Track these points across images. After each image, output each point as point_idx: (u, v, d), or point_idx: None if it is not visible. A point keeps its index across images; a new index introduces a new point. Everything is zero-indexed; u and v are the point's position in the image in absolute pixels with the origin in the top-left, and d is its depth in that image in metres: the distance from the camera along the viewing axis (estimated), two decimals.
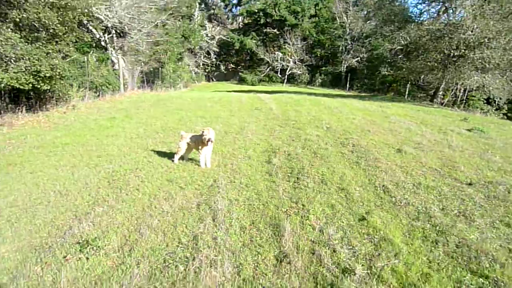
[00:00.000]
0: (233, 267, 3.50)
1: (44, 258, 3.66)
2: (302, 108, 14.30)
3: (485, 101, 26.77)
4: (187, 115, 12.50)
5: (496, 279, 3.26)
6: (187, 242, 3.96)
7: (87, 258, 3.63)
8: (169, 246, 3.88)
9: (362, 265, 3.47)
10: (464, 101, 26.96)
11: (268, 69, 46.75)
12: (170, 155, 7.08)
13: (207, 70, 48.63)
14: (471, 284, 3.20)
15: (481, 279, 3.27)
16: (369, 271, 3.38)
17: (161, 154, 7.31)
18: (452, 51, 20.54)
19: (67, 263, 3.54)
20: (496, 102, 25.38)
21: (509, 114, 24.27)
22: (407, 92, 29.75)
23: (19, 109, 12.01)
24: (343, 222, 4.38)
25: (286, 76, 45.75)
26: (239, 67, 50.94)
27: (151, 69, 28.64)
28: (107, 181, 5.81)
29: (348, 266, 3.45)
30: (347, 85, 40.00)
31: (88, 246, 3.80)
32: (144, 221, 4.40)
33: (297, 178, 5.88)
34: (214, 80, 50.09)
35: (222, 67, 50.86)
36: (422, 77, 27.33)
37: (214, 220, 4.44)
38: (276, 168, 6.37)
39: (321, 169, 6.26)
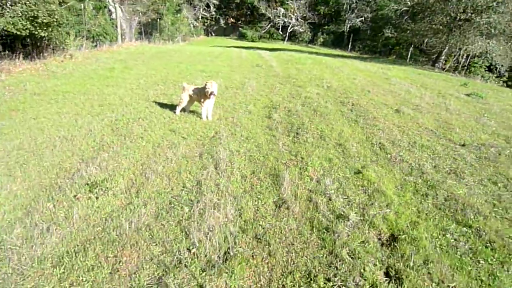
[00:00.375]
0: (235, 210, 3.72)
1: (55, 196, 3.86)
2: (303, 66, 14.18)
3: (486, 69, 26.58)
4: (187, 69, 12.38)
5: (479, 228, 3.52)
6: (191, 186, 4.16)
7: (97, 198, 3.83)
8: (174, 189, 4.09)
9: (356, 213, 3.71)
10: (466, 67, 26.75)
11: (269, 26, 45.51)
12: (171, 107, 7.15)
13: (206, 24, 47.20)
14: (455, 232, 3.47)
15: (465, 228, 3.54)
16: (362, 218, 3.63)
17: (163, 105, 7.37)
18: (459, 14, 20.06)
19: (78, 201, 3.74)
20: (498, 69, 25.22)
21: (509, 82, 24.22)
22: (409, 56, 29.37)
23: (16, 56, 11.78)
24: (339, 175, 4.59)
25: (287, 34, 44.61)
26: (239, 22, 49.45)
27: (149, 21, 27.81)
28: (110, 128, 5.92)
29: (342, 213, 3.69)
30: (349, 46, 39.24)
31: (97, 187, 3.99)
32: (149, 167, 4.58)
33: (297, 133, 6.03)
34: (213, 34, 48.79)
35: (222, 22, 49.33)
36: (425, 40, 26.83)
37: (216, 168, 4.62)
38: (276, 123, 6.49)
39: (320, 126, 6.39)
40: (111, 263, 2.91)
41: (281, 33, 45.34)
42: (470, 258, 3.11)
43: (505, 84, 22.50)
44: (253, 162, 4.93)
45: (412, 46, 29.78)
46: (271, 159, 5.00)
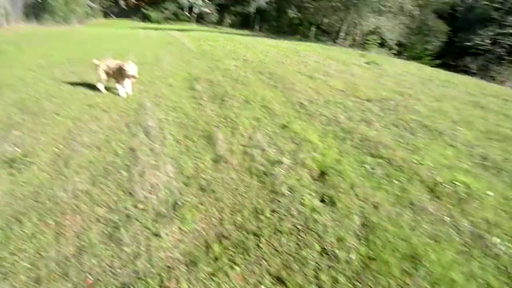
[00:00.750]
0: (175, 169, 3.77)
1: None
2: (216, 43, 14.23)
3: (379, 45, 29.76)
4: (92, 48, 11.50)
5: (389, 158, 4.16)
6: (125, 153, 4.05)
7: (20, 173, 3.51)
8: (107, 158, 3.94)
9: (288, 158, 4.05)
10: (362, 44, 29.56)
11: (174, 7, 43.92)
12: (84, 85, 6.67)
13: (104, 6, 43.56)
14: (372, 163, 4.05)
15: (378, 159, 4.15)
16: (294, 162, 3.98)
17: (74, 83, 6.81)
18: None
19: None
20: (388, 44, 28.41)
21: (397, 55, 27.53)
22: (312, 35, 31.27)
23: None
24: (268, 130, 4.90)
25: (194, 15, 43.70)
26: (141, 3, 46.65)
27: (38, 0, 24.70)
28: (17, 108, 5.32)
29: (276, 160, 4.00)
30: (256, 27, 40.09)
31: (17, 162, 3.65)
32: (73, 139, 4.30)
33: (222, 100, 6.17)
34: (113, 17, 45.34)
35: (122, 2, 45.97)
36: (327, 21, 28.84)
37: (147, 136, 4.55)
38: (200, 93, 6.54)
39: (243, 92, 6.63)
40: (53, 229, 2.76)
41: (187, 14, 44.18)
42: (386, 180, 3.69)
43: (395, 56, 25.50)
44: (183, 127, 4.95)
45: (315, 26, 31.74)
46: (202, 123, 5.09)
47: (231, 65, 9.23)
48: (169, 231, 2.80)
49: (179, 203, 3.15)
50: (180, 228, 2.85)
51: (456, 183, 3.71)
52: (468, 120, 6.15)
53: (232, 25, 42.88)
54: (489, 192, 3.65)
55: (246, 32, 34.46)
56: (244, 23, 42.79)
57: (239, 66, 9.19)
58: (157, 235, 2.75)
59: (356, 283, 2.39)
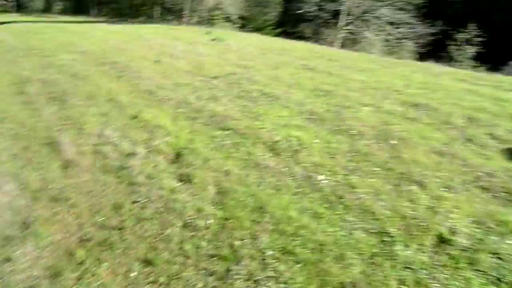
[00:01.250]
0: (18, 186, 3.45)
1: None
2: (45, 36, 12.61)
3: (225, 20, 30.86)
4: None
5: (236, 129, 4.64)
6: None
7: None
8: None
9: (142, 148, 4.13)
10: (208, 21, 30.16)
11: None
12: None
13: None
14: (221, 136, 4.46)
15: (226, 131, 4.59)
16: (149, 150, 4.09)
17: None
18: None
19: None
20: (231, 18, 29.71)
21: (241, 28, 29.12)
22: (158, 15, 30.32)
23: None
24: (118, 124, 4.82)
25: (12, 2, 37.08)
26: None
27: None
28: None
29: (130, 152, 4.04)
30: (93, 12, 36.57)
31: None
32: None
33: (62, 100, 5.71)
34: None
35: None
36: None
37: None
38: (35, 96, 5.89)
39: (85, 88, 6.24)
40: None
41: (4, 1, 37.13)
42: (234, 148, 4.16)
43: (240, 29, 26.90)
44: (20, 139, 4.47)
45: (158, 5, 30.73)
46: (41, 130, 4.67)
47: (68, 59, 8.42)
48: (22, 252, 2.64)
49: (29, 220, 2.96)
50: (35, 245, 2.71)
51: (290, 138, 4.42)
52: (299, 82, 7.15)
53: (63, 12, 38.02)
54: (315, 140, 4.47)
55: (81, 18, 31.12)
56: (79, 8, 38.45)
57: (77, 59, 8.46)
58: (8, 260, 2.58)
59: (216, 243, 2.75)
